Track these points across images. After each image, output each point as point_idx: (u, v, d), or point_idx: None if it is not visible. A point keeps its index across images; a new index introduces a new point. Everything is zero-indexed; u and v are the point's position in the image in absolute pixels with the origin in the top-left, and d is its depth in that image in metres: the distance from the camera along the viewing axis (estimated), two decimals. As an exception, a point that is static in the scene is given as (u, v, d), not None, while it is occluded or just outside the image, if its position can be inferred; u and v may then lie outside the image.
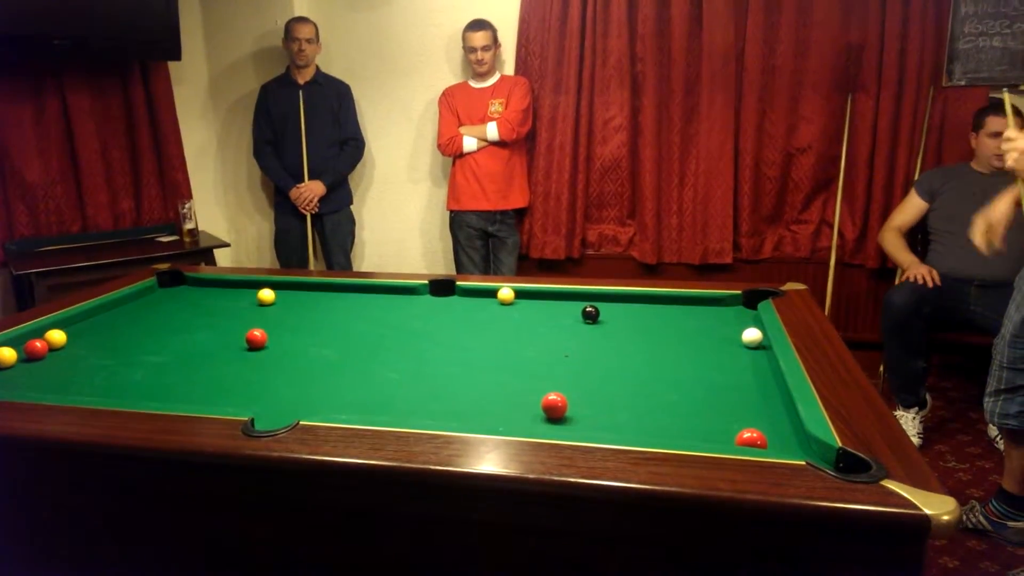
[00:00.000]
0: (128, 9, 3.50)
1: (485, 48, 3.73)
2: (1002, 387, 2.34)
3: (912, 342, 3.06)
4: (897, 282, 3.37)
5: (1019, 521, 2.42)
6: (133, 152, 3.86)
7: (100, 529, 1.48)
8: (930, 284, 3.05)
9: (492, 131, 3.75)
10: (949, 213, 3.20)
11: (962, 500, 2.62)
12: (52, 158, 3.60)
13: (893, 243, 3.36)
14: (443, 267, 4.35)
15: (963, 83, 3.51)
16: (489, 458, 1.26)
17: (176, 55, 3.71)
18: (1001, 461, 2.70)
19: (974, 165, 3.19)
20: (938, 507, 1.07)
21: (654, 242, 3.95)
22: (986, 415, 2.41)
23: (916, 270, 3.13)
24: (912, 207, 3.35)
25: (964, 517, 2.51)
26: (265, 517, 1.38)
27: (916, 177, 3.47)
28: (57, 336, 1.98)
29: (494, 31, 3.77)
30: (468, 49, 3.78)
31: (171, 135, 3.93)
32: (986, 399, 2.39)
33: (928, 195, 3.30)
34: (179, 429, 1.41)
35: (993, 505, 2.47)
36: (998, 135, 2.94)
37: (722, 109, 3.75)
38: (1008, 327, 2.33)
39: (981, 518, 2.49)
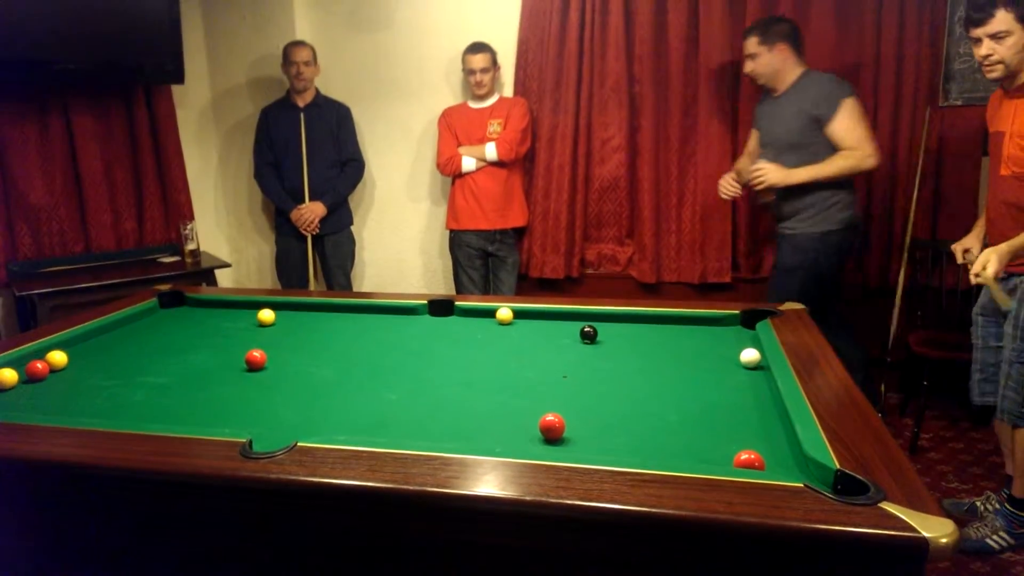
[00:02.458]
0: (132, 33, 3.54)
1: (484, 70, 3.77)
2: (978, 367, 2.62)
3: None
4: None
5: None
6: (136, 173, 3.90)
7: (98, 551, 1.48)
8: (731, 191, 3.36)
9: (491, 151, 3.78)
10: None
11: (963, 521, 2.62)
12: (56, 179, 3.63)
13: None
14: (443, 286, 4.36)
15: (959, 103, 3.53)
16: (486, 480, 1.26)
17: (179, 79, 3.75)
18: (1000, 480, 2.69)
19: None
20: (936, 530, 1.07)
21: (653, 261, 3.96)
22: (971, 395, 2.66)
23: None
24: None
25: (980, 506, 2.68)
26: (263, 538, 1.38)
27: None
28: (58, 357, 1.99)
29: (493, 53, 3.81)
30: (468, 71, 3.82)
31: (174, 157, 3.97)
32: (971, 382, 2.65)
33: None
34: (178, 451, 1.41)
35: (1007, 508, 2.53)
36: None
37: (719, 129, 3.77)
38: (977, 308, 2.61)
39: (996, 504, 2.61)
